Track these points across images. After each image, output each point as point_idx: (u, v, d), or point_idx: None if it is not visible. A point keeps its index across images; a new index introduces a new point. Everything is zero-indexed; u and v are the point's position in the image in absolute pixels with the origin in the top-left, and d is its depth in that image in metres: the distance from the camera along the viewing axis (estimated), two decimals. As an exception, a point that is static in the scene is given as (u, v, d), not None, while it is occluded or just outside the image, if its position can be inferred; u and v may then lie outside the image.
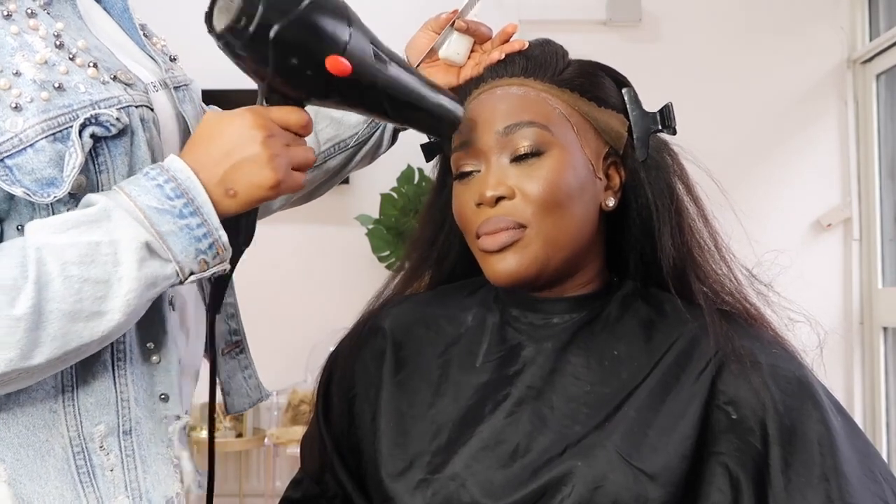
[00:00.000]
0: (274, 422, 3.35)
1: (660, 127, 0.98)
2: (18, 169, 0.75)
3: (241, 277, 1.05)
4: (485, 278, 0.96)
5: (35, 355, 0.71)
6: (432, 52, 1.07)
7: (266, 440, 3.22)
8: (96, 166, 0.79)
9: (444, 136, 0.93)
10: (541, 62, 0.97)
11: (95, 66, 0.80)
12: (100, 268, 0.73)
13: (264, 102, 0.81)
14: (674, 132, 0.98)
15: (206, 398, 0.91)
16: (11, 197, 0.76)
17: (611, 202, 0.97)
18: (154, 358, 0.85)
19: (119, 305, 0.74)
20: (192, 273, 0.78)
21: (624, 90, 0.99)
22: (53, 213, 0.77)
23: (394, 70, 0.82)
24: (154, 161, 0.83)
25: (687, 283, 0.94)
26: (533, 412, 0.90)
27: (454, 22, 1.05)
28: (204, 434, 3.06)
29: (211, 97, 1.09)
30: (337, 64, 0.77)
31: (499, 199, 0.92)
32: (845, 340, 3.36)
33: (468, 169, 0.95)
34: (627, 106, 0.98)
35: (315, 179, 1.17)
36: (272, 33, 0.74)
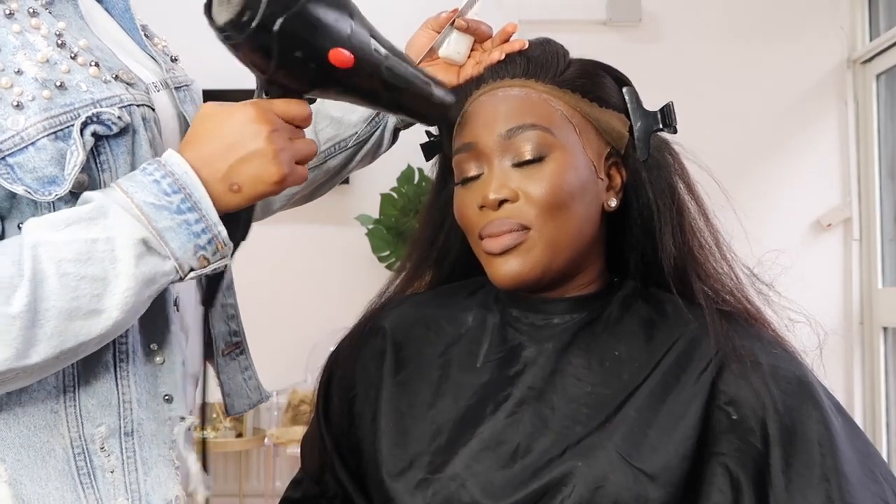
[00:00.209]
0: (274, 422, 3.36)
1: (661, 126, 0.98)
2: (20, 167, 0.75)
3: (241, 277, 1.05)
4: (485, 278, 0.96)
5: (31, 354, 0.71)
6: (432, 52, 1.07)
7: (266, 440, 3.22)
8: (98, 165, 0.79)
9: (436, 123, 0.93)
10: (542, 63, 0.97)
11: (97, 65, 0.80)
12: (97, 265, 0.72)
13: (264, 95, 0.81)
14: (674, 131, 0.98)
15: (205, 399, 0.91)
16: (13, 195, 0.76)
17: (613, 202, 0.97)
18: (158, 359, 0.84)
19: (117, 303, 0.73)
20: (192, 269, 0.77)
21: (625, 89, 0.99)
22: (55, 212, 0.77)
23: (391, 60, 0.82)
24: None
25: (688, 282, 0.94)
26: (534, 413, 0.90)
27: (454, 21, 1.05)
28: (204, 434, 3.06)
29: (211, 97, 1.09)
30: (340, 56, 0.77)
31: (502, 202, 0.92)
32: (845, 340, 3.36)
33: (471, 174, 0.95)
34: (628, 105, 0.98)
35: (316, 179, 1.17)
36: (276, 26, 0.74)
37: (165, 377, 0.84)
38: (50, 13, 0.82)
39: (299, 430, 2.79)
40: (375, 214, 3.31)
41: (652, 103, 0.99)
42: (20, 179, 0.75)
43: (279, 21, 0.74)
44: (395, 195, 3.28)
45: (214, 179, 0.77)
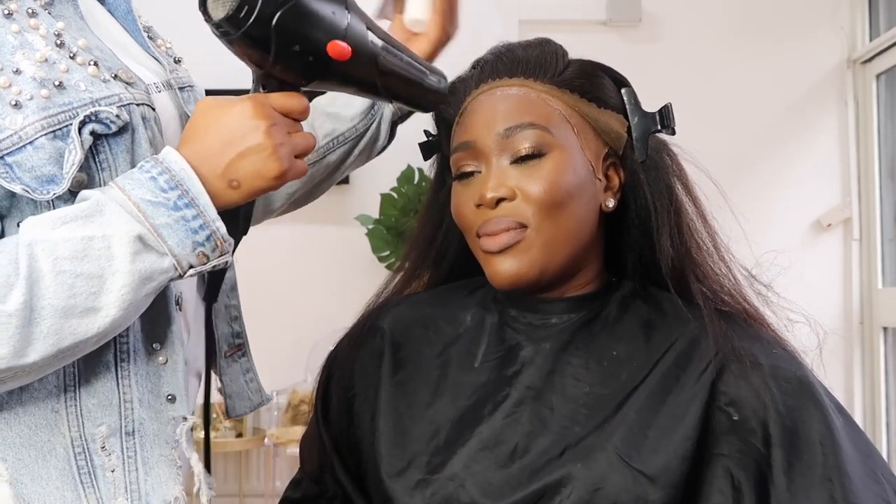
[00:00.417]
0: (274, 422, 3.35)
1: (659, 127, 0.98)
2: (18, 166, 0.75)
3: (241, 277, 1.05)
4: (483, 278, 0.96)
5: (29, 352, 0.71)
6: (385, 11, 1.09)
7: (266, 440, 3.21)
8: (97, 164, 0.79)
9: (432, 110, 0.93)
10: (540, 63, 0.97)
11: (96, 64, 0.80)
12: (93, 263, 0.72)
13: (261, 89, 0.81)
14: (673, 132, 0.98)
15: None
16: (12, 194, 0.76)
17: (610, 203, 0.97)
18: (160, 358, 0.84)
19: (113, 300, 0.73)
20: (191, 267, 0.77)
21: (623, 90, 0.99)
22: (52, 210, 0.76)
23: (387, 50, 0.83)
24: None
25: (686, 283, 0.94)
26: (532, 413, 0.90)
27: None
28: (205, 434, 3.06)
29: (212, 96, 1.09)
30: (338, 48, 0.77)
31: (499, 200, 0.92)
32: (845, 340, 3.36)
33: (468, 169, 0.95)
34: (627, 106, 0.98)
35: (315, 176, 1.17)
36: (274, 21, 0.74)
37: (168, 377, 0.84)
38: (49, 13, 0.82)
39: (299, 430, 2.78)
40: (375, 214, 3.31)
41: (652, 103, 0.99)
42: (19, 178, 0.75)
43: (276, 15, 0.74)
44: (395, 195, 3.28)
45: (213, 175, 0.77)
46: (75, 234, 0.72)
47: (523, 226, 0.91)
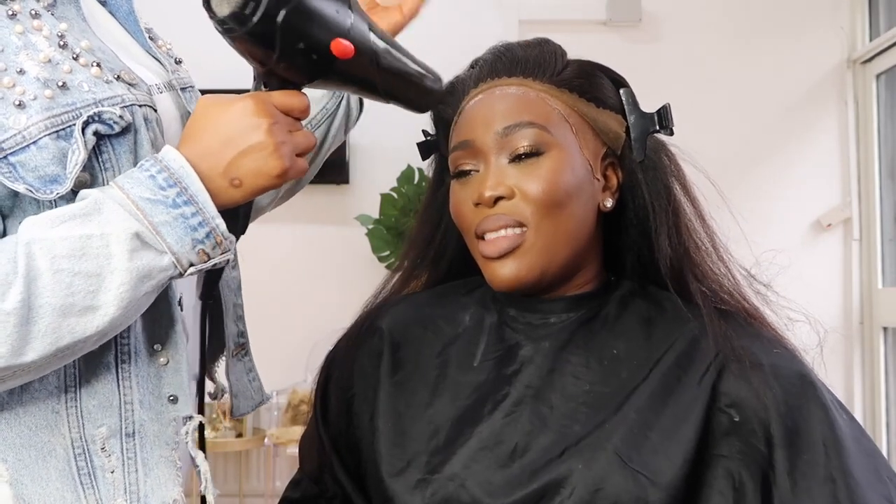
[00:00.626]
0: (274, 422, 3.35)
1: (657, 128, 0.98)
2: (22, 166, 0.75)
3: (242, 277, 1.05)
4: (482, 278, 0.96)
5: (27, 351, 0.71)
6: None
7: (266, 440, 3.21)
8: (100, 164, 0.79)
9: (427, 111, 0.94)
10: (539, 62, 0.97)
11: (99, 65, 0.80)
12: (91, 261, 0.72)
13: (262, 87, 0.81)
14: (671, 133, 0.98)
15: (207, 399, 0.90)
16: (15, 194, 0.76)
17: (608, 203, 0.97)
18: (162, 359, 0.84)
19: (112, 299, 0.73)
20: (192, 264, 0.77)
21: (622, 91, 0.99)
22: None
23: (387, 50, 0.83)
24: None
25: (684, 282, 0.94)
26: (532, 412, 0.90)
27: None
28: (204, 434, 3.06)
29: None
30: (341, 47, 0.77)
31: (497, 199, 0.92)
32: (845, 340, 3.36)
33: (467, 168, 0.95)
34: (625, 107, 0.98)
35: None
36: (280, 18, 0.74)
37: (170, 378, 0.84)
38: (52, 15, 0.82)
39: (299, 430, 2.78)
40: (375, 214, 3.31)
41: (651, 103, 0.99)
42: (22, 178, 0.75)
43: (282, 13, 0.74)
44: (395, 195, 3.28)
45: (215, 174, 0.77)
46: (73, 232, 0.72)
47: (521, 225, 0.91)
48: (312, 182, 1.25)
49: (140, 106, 0.82)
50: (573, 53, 1.01)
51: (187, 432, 0.85)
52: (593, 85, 0.97)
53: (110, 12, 0.94)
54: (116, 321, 0.75)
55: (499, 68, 0.98)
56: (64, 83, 0.77)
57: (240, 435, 3.19)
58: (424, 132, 1.08)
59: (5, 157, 0.74)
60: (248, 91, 0.82)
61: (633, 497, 0.83)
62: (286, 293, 3.41)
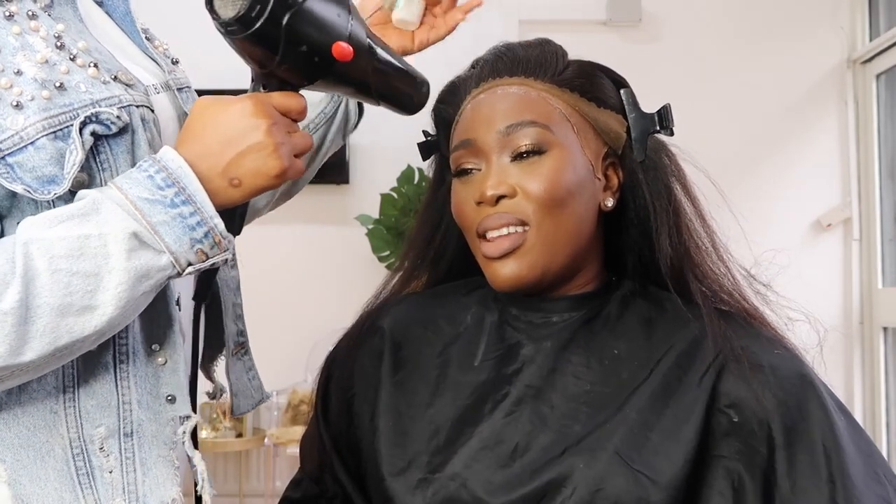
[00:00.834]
0: (274, 422, 3.35)
1: (658, 128, 0.98)
2: (19, 166, 0.75)
3: (241, 277, 1.05)
4: (483, 277, 0.96)
5: (26, 351, 0.71)
6: (381, 7, 1.09)
7: (266, 440, 3.21)
8: (98, 164, 0.79)
9: (414, 112, 0.95)
10: (540, 62, 0.97)
11: (96, 66, 0.81)
12: (89, 261, 0.72)
13: (261, 89, 0.81)
14: (671, 133, 0.98)
15: (206, 399, 0.90)
16: (13, 194, 0.76)
17: (609, 202, 0.97)
18: (160, 359, 0.84)
19: (110, 298, 0.73)
20: (190, 264, 0.77)
21: (622, 91, 0.99)
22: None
23: (380, 51, 0.84)
24: None
25: (685, 282, 0.95)
26: (532, 411, 0.90)
27: None
28: (204, 434, 3.06)
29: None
30: (342, 50, 0.78)
31: (499, 198, 0.92)
32: (845, 340, 3.36)
33: (468, 167, 0.95)
34: (626, 107, 0.98)
35: None
36: (284, 21, 0.75)
37: (168, 378, 0.84)
38: (49, 16, 0.82)
39: (299, 430, 2.78)
40: (375, 214, 3.31)
41: (652, 103, 0.99)
42: (20, 178, 0.75)
43: (287, 16, 0.75)
44: (395, 195, 3.28)
45: (214, 174, 0.77)
46: (71, 232, 0.73)
47: (523, 223, 0.91)
48: (312, 182, 1.25)
49: (137, 106, 0.82)
50: (573, 53, 1.01)
51: (184, 432, 0.85)
52: (594, 85, 0.97)
53: (107, 13, 0.94)
54: (114, 321, 0.75)
55: (500, 68, 0.98)
56: (61, 84, 0.77)
57: (240, 435, 3.19)
58: (425, 132, 1.08)
59: (3, 157, 0.74)
60: (245, 91, 0.82)
61: (634, 497, 0.83)
62: (286, 293, 3.41)
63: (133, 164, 0.80)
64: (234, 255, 0.99)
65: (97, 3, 0.93)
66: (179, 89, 0.94)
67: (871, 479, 0.86)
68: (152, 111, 0.85)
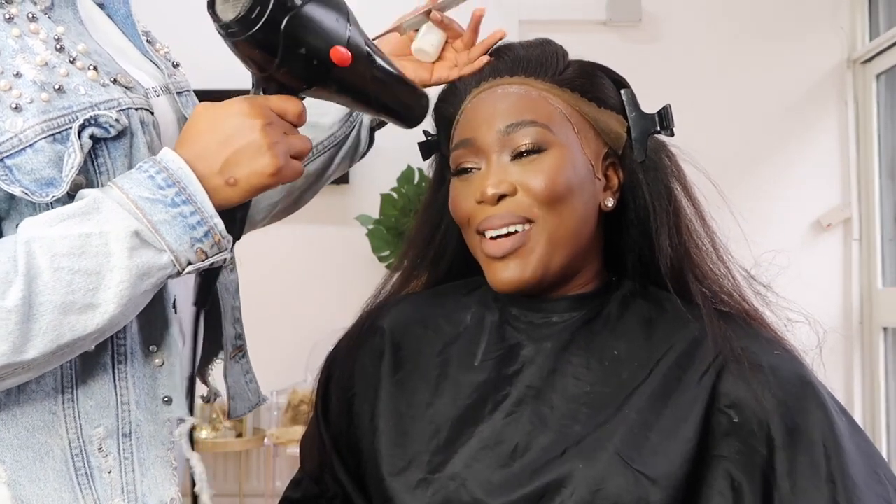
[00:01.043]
0: (274, 422, 3.35)
1: (658, 128, 0.98)
2: (18, 169, 0.75)
3: (241, 277, 1.05)
4: (483, 277, 0.96)
5: (28, 349, 0.71)
6: (398, 28, 1.08)
7: (266, 440, 3.21)
8: (96, 167, 0.79)
9: (414, 125, 0.94)
10: (541, 62, 0.97)
11: (95, 69, 0.81)
12: (91, 259, 0.73)
13: (261, 92, 0.82)
14: (672, 134, 0.99)
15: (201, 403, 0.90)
16: (11, 197, 0.77)
17: (610, 202, 0.97)
18: (157, 361, 0.84)
19: (111, 297, 0.74)
20: (190, 263, 0.77)
21: (622, 91, 0.99)
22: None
23: (379, 60, 0.85)
24: None
25: (685, 283, 0.95)
26: (533, 412, 0.90)
27: (430, 12, 1.06)
28: (204, 434, 3.06)
29: (207, 98, 1.09)
30: (340, 54, 0.79)
31: (500, 197, 0.92)
32: (845, 340, 3.36)
33: (468, 166, 0.95)
34: (626, 107, 0.98)
35: (296, 186, 1.16)
36: (283, 24, 0.75)
37: (164, 379, 0.84)
38: (49, 18, 0.82)
39: (299, 430, 2.78)
40: (375, 214, 3.31)
41: (651, 103, 0.99)
42: (18, 181, 0.75)
43: (286, 19, 0.75)
44: (395, 195, 3.28)
45: (211, 173, 0.77)
46: (73, 230, 0.73)
47: (526, 221, 0.91)
48: (312, 181, 1.25)
49: (136, 109, 0.82)
50: (573, 53, 1.01)
51: (181, 434, 0.85)
52: (595, 85, 0.98)
53: (108, 15, 0.94)
54: (116, 319, 0.75)
55: (501, 68, 0.98)
56: (60, 86, 0.77)
57: (240, 435, 3.19)
58: (425, 132, 1.08)
59: (1, 159, 0.74)
60: (246, 92, 0.82)
61: (634, 497, 0.83)
62: (286, 293, 3.41)
63: (131, 167, 0.80)
64: (233, 258, 0.99)
65: (98, 5, 0.93)
66: (179, 93, 0.94)
67: (872, 479, 0.86)
68: (152, 114, 0.85)
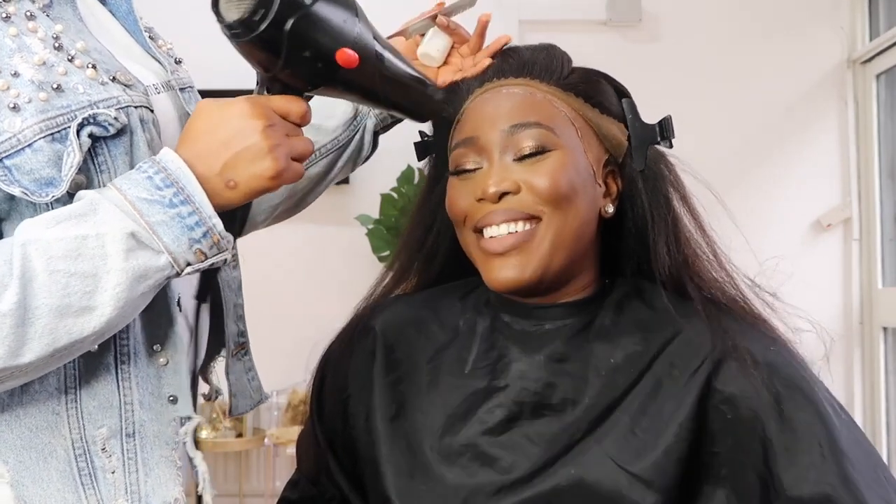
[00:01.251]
0: (274, 422, 3.35)
1: (658, 139, 0.98)
2: (17, 169, 0.75)
3: (242, 277, 1.05)
4: (478, 279, 0.96)
5: (24, 352, 0.71)
6: (404, 32, 1.08)
7: (266, 440, 3.21)
8: (96, 166, 0.79)
9: (429, 119, 0.94)
10: (546, 65, 0.97)
11: (94, 67, 0.80)
12: (87, 262, 0.72)
13: (265, 92, 0.81)
14: (671, 145, 0.98)
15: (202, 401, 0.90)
16: (12, 197, 0.76)
17: (610, 209, 0.97)
18: (161, 360, 0.84)
19: (108, 299, 0.73)
20: (189, 264, 0.77)
21: (624, 101, 0.99)
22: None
23: (388, 58, 0.83)
24: None
25: (683, 291, 0.94)
26: (525, 421, 0.90)
27: (436, 17, 1.06)
28: (205, 434, 3.06)
29: (213, 97, 1.09)
30: (346, 56, 0.78)
31: (502, 195, 0.91)
32: (845, 340, 3.36)
33: (470, 166, 0.95)
34: (627, 116, 0.98)
35: (298, 189, 1.16)
36: (288, 26, 0.74)
37: (169, 378, 0.84)
38: (47, 16, 0.82)
39: (299, 430, 2.78)
40: (375, 214, 3.31)
41: (651, 103, 1.00)
42: (17, 181, 0.75)
43: (291, 20, 0.74)
44: (395, 195, 3.28)
45: (211, 174, 0.77)
46: (69, 233, 0.72)
47: (531, 217, 0.91)
48: (313, 181, 1.25)
49: (136, 107, 0.82)
50: (573, 53, 1.01)
51: (186, 432, 0.85)
52: (598, 91, 0.98)
53: (110, 11, 0.94)
54: (113, 321, 0.75)
55: (505, 69, 0.98)
56: (59, 85, 0.77)
57: (240, 435, 3.18)
58: (421, 133, 1.08)
59: (0, 160, 0.74)
60: (249, 91, 0.82)
61: (630, 502, 0.83)
62: (286, 293, 3.41)
63: (131, 166, 0.80)
64: (235, 255, 0.99)
65: (101, 1, 0.93)
66: (182, 89, 0.93)
67: (871, 478, 0.86)
68: (151, 111, 0.85)
